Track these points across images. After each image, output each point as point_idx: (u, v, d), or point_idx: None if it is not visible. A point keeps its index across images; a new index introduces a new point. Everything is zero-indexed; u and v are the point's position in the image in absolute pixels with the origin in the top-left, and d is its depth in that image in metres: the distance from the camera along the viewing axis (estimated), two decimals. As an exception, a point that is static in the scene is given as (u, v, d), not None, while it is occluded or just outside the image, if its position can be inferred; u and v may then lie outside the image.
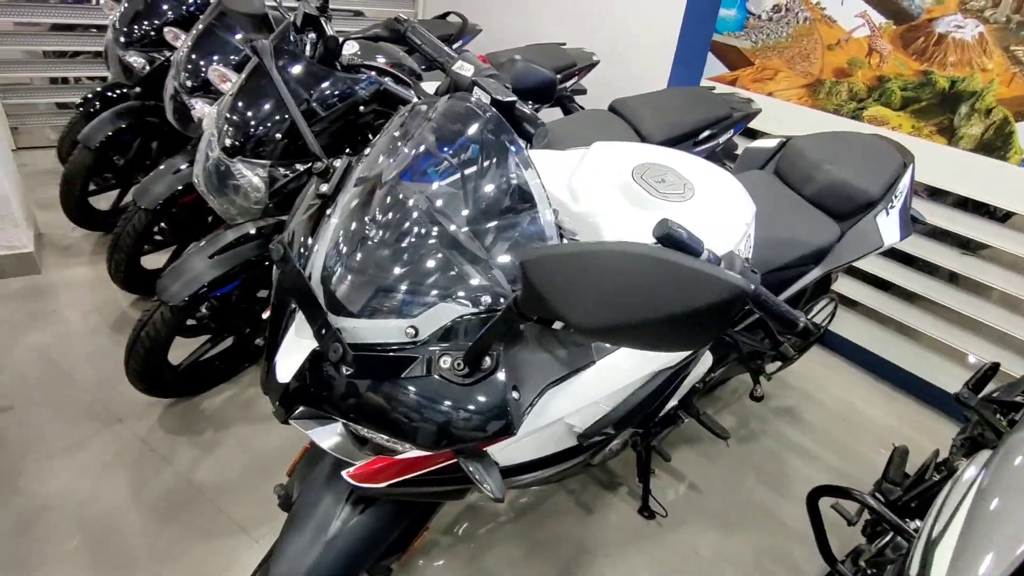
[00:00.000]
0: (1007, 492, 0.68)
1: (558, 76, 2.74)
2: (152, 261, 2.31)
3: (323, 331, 0.75)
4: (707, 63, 2.90)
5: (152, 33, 2.29)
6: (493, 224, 0.77)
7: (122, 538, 1.54)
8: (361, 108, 1.46)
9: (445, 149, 0.82)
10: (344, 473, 0.84)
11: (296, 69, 1.42)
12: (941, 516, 0.75)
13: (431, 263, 0.76)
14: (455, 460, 0.82)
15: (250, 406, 1.98)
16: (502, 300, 0.74)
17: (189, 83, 1.88)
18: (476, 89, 0.93)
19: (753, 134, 2.70)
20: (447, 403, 0.72)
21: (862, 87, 2.38)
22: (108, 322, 2.24)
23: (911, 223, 1.64)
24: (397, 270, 0.76)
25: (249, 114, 1.39)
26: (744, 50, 2.74)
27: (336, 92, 1.42)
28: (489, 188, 0.79)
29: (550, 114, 3.25)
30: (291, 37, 1.43)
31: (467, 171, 0.80)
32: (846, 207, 1.58)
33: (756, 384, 1.54)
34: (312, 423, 0.88)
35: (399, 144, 0.86)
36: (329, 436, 0.88)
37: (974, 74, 2.09)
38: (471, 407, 0.72)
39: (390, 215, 0.79)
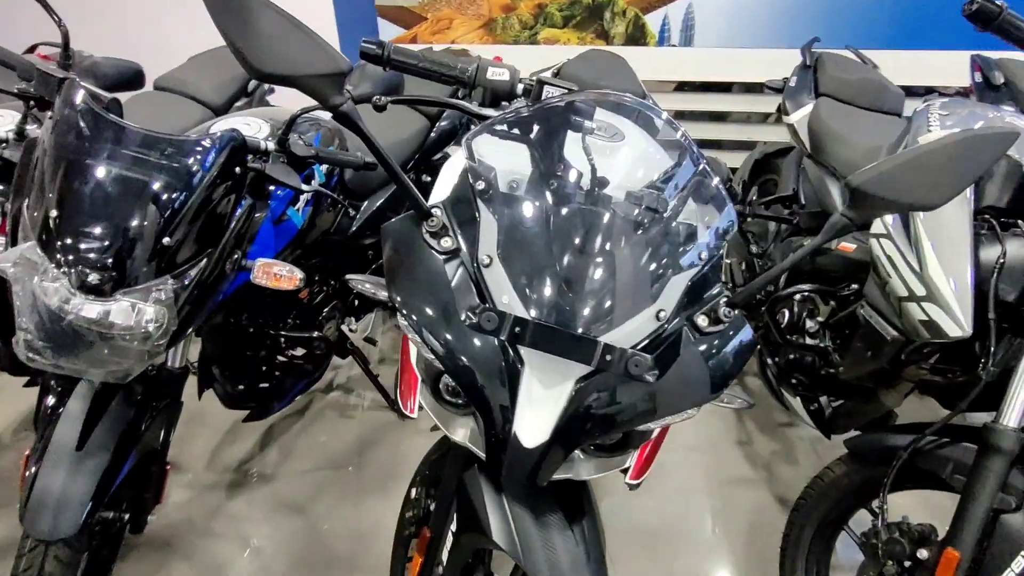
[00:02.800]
0: (935, 222, 1.14)
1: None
2: None
3: (607, 356, 0.73)
4: (380, 29, 2.95)
5: None
6: (673, 184, 0.84)
7: None
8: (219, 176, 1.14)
9: (579, 142, 0.83)
10: (627, 479, 0.85)
11: (129, 145, 1.02)
12: (910, 262, 1.18)
13: (649, 249, 0.79)
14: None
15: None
16: (716, 245, 0.83)
17: None
18: (546, 88, 0.90)
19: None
20: (719, 350, 0.81)
21: (528, 16, 2.80)
22: None
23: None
24: (627, 271, 0.77)
25: (106, 228, 0.97)
26: (412, 8, 2.88)
27: (191, 163, 1.09)
28: (650, 158, 0.84)
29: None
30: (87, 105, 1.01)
31: (591, 153, 0.83)
32: (628, 110, 1.97)
33: None
34: (565, 467, 0.85)
35: (517, 161, 0.81)
36: (584, 467, 0.86)
37: (604, -14, 2.69)
38: (733, 342, 0.82)
39: (591, 228, 0.78)
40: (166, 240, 1.03)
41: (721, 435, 2.02)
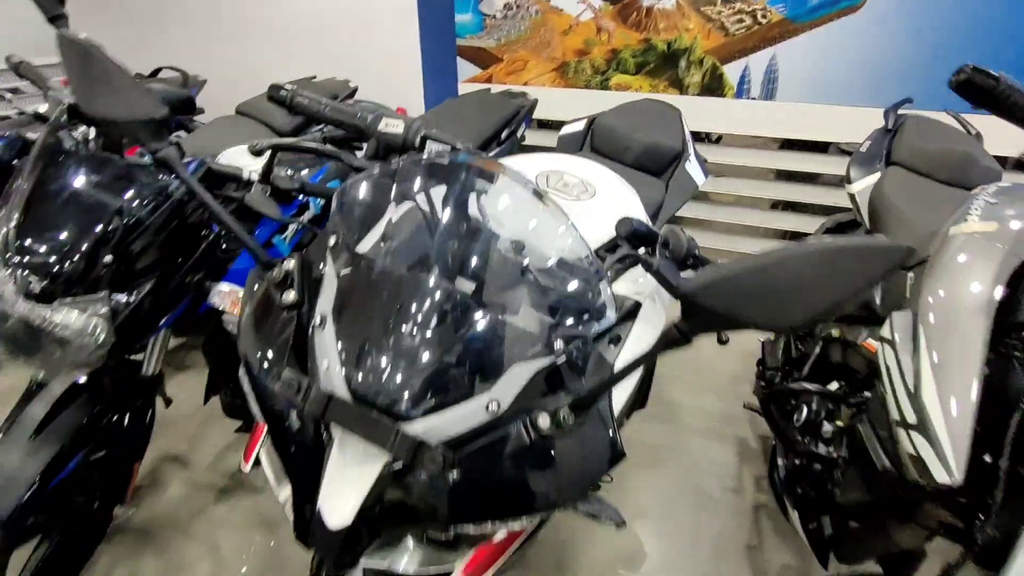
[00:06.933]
0: (942, 332, 0.91)
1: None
2: None
3: (404, 445, 0.65)
4: (460, 68, 3.03)
5: None
6: (532, 239, 0.75)
7: None
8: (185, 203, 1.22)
9: (455, 203, 0.76)
10: None
11: (102, 168, 1.12)
12: (905, 379, 0.96)
13: (489, 332, 0.70)
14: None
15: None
16: (579, 342, 0.72)
17: None
18: (430, 143, 0.87)
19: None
20: (561, 458, 0.69)
21: (601, 61, 2.74)
22: None
23: (704, 163, 1.97)
24: (461, 348, 0.69)
25: (57, 241, 1.07)
26: (490, 48, 2.93)
27: (157, 187, 1.17)
28: (508, 214, 0.77)
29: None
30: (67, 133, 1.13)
31: (486, 215, 0.75)
32: (662, 164, 1.83)
33: None
34: (381, 554, 0.76)
35: (380, 217, 0.77)
36: (405, 559, 0.77)
37: (681, 35, 2.56)
38: (585, 451, 0.70)
39: (426, 300, 0.71)
40: (108, 258, 1.10)
41: (731, 534, 1.77)
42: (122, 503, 1.59)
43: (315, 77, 2.94)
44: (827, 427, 1.38)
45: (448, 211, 0.78)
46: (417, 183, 0.80)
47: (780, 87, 2.49)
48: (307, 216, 1.53)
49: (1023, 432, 0.87)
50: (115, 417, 1.38)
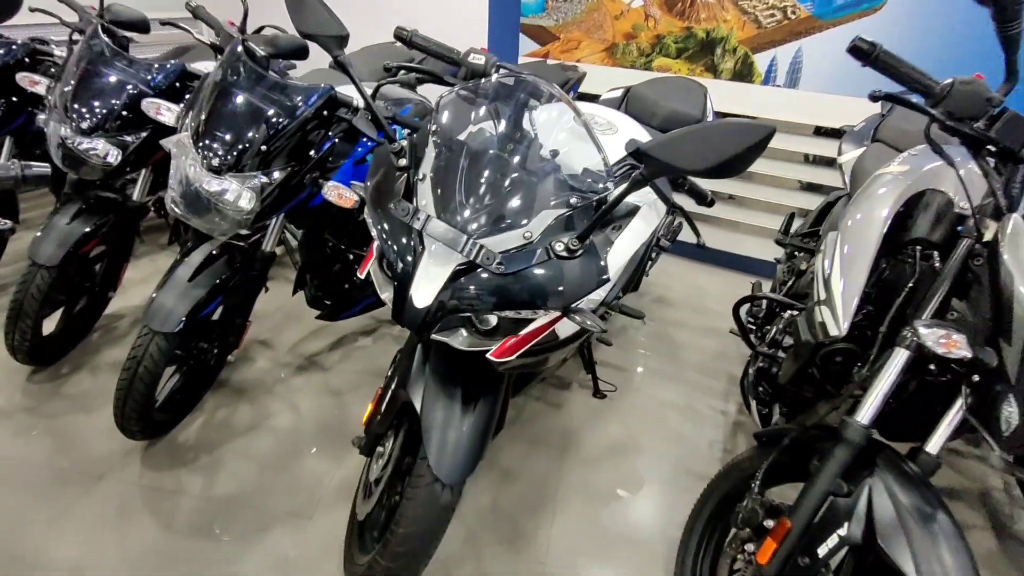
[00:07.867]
0: (852, 236, 1.26)
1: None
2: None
3: (471, 248, 1.06)
4: (521, 43, 3.41)
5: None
6: (565, 150, 1.14)
7: (181, 567, 1.58)
8: (314, 117, 1.65)
9: (514, 110, 1.16)
10: (488, 355, 1.15)
11: (260, 85, 1.57)
12: (824, 270, 1.31)
13: (534, 190, 1.10)
14: (560, 322, 1.18)
15: (227, 425, 2.04)
16: (585, 200, 1.11)
17: (84, 124, 1.85)
18: (502, 70, 1.27)
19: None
20: (568, 272, 1.08)
21: (646, 45, 3.08)
22: (13, 400, 2.07)
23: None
24: (510, 198, 1.09)
25: (229, 132, 1.52)
26: (549, 28, 3.30)
27: (297, 103, 1.60)
28: (551, 129, 1.16)
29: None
30: (242, 58, 1.58)
31: (534, 124, 1.15)
32: (682, 129, 2.19)
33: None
34: (444, 334, 1.17)
35: (465, 116, 1.17)
36: (460, 338, 1.18)
37: (719, 25, 2.88)
38: (584, 271, 1.09)
39: (493, 164, 1.11)
40: (263, 147, 1.54)
41: (714, 441, 2.14)
42: (234, 350, 2.05)
43: (396, 43, 3.39)
44: (788, 340, 1.74)
45: (509, 116, 1.18)
46: (490, 95, 1.20)
47: (803, 77, 2.79)
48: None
49: (901, 312, 1.22)
50: (237, 282, 1.83)
